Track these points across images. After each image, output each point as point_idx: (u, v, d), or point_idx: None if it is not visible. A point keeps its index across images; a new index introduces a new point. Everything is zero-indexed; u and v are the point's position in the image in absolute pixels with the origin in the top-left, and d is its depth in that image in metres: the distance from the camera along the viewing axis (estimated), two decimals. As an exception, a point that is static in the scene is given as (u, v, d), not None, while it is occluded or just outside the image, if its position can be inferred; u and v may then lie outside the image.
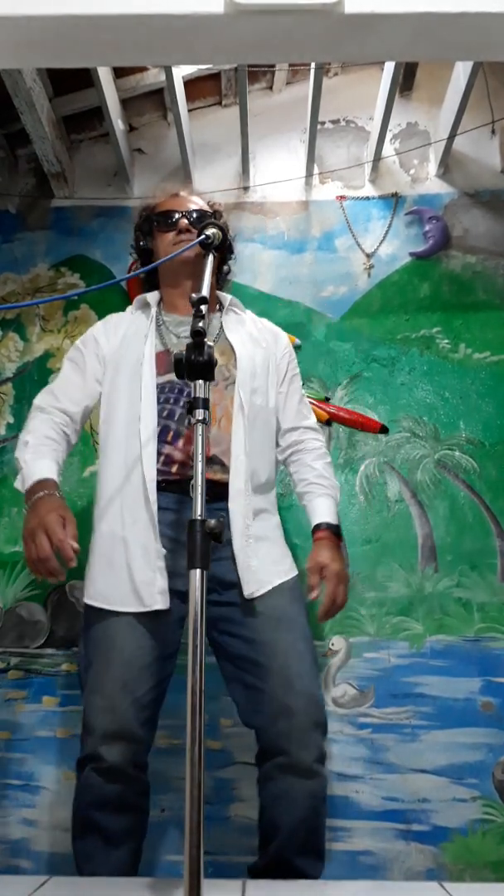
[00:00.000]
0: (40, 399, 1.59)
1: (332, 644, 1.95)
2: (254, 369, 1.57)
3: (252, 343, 1.63)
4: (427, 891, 1.39)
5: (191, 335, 1.11)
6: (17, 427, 2.22)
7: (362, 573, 2.02)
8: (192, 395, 1.09)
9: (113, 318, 1.70)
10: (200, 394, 1.09)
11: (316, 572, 1.45)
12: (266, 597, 1.43)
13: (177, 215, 1.65)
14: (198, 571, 0.96)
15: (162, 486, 1.44)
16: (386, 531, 2.07)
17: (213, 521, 1.00)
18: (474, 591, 2.00)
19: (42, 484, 1.42)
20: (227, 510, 1.44)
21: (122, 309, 2.26)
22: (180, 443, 1.48)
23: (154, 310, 1.65)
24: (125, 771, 1.33)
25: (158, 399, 1.50)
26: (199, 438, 1.06)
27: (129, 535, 1.42)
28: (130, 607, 1.38)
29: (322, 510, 1.55)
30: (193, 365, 1.10)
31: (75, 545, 1.30)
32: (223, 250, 1.71)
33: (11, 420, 2.23)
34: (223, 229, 1.69)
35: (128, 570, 1.40)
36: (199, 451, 1.06)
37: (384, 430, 2.15)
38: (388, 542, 2.06)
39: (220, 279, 1.79)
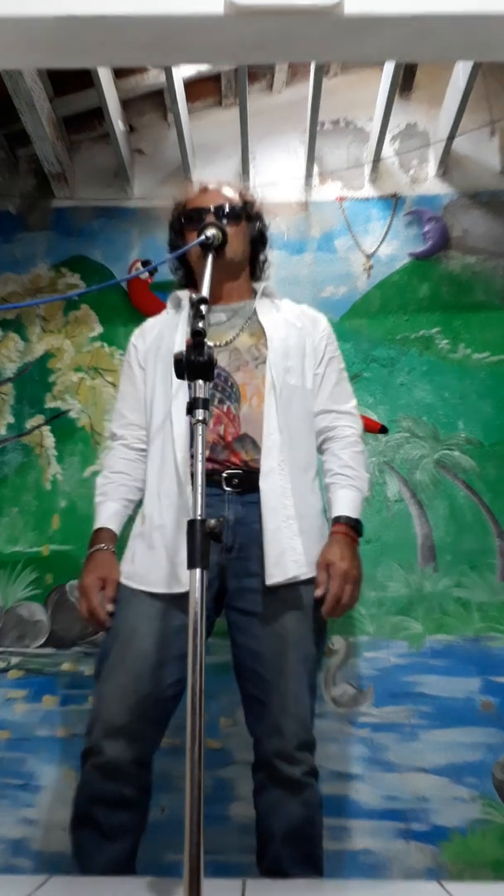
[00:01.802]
0: (112, 425, 1.65)
1: (332, 643, 1.96)
2: (286, 350, 1.54)
3: (286, 325, 1.59)
4: (426, 890, 1.39)
5: (191, 335, 1.11)
6: (17, 427, 2.22)
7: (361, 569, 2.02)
8: (192, 396, 1.09)
9: (149, 322, 1.71)
10: (200, 394, 1.09)
11: (323, 569, 1.41)
12: (283, 603, 1.39)
13: (205, 212, 1.59)
14: (198, 571, 0.96)
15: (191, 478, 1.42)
16: (385, 531, 2.07)
17: (212, 521, 1.00)
18: (474, 591, 2.00)
19: (99, 535, 1.49)
20: (258, 491, 1.41)
21: (123, 309, 2.30)
22: (210, 423, 1.45)
23: (186, 304, 1.64)
24: (125, 769, 1.31)
25: None
26: (199, 438, 1.06)
27: (166, 518, 1.42)
28: (162, 588, 1.37)
29: (342, 503, 1.49)
30: (193, 365, 1.09)
31: (109, 608, 1.40)
32: (257, 241, 1.69)
33: (12, 420, 2.23)
34: (257, 219, 1.68)
35: (166, 551, 1.39)
36: (200, 451, 1.06)
37: (384, 430, 2.16)
38: (387, 542, 2.06)
39: (257, 270, 1.74)
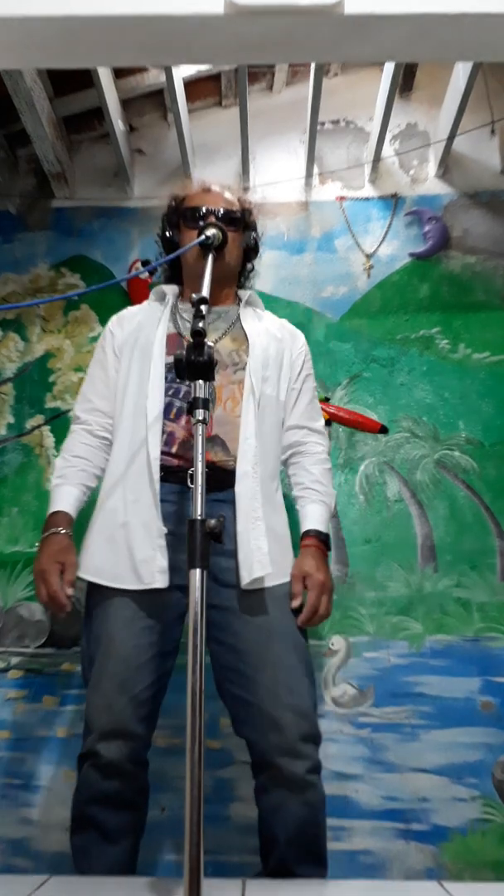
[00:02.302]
0: (76, 406, 1.64)
1: (332, 644, 1.96)
2: (266, 359, 1.56)
3: (267, 335, 1.61)
4: (426, 890, 1.39)
5: (191, 335, 1.11)
6: (17, 427, 2.22)
7: (362, 573, 2.02)
8: (192, 396, 1.09)
9: (129, 310, 1.71)
10: (200, 394, 1.09)
11: (299, 580, 1.43)
12: (260, 599, 1.40)
13: (205, 212, 1.60)
14: (198, 571, 0.96)
15: (161, 476, 1.42)
16: (385, 531, 2.07)
17: (212, 521, 1.00)
18: (474, 591, 2.00)
19: (56, 518, 1.47)
20: (232, 494, 1.41)
21: (123, 309, 2.29)
22: (183, 420, 1.46)
23: (171, 299, 1.64)
24: (123, 767, 1.33)
25: (166, 377, 1.49)
26: (199, 438, 1.06)
27: (130, 514, 1.42)
28: (129, 584, 1.37)
29: (312, 517, 1.52)
30: (193, 365, 1.10)
31: (69, 591, 1.38)
32: (248, 250, 1.71)
33: (12, 420, 2.23)
34: (250, 227, 1.69)
35: (128, 547, 1.39)
36: (199, 451, 1.06)
37: (384, 430, 2.16)
38: (387, 542, 2.06)
39: (244, 277, 1.76)
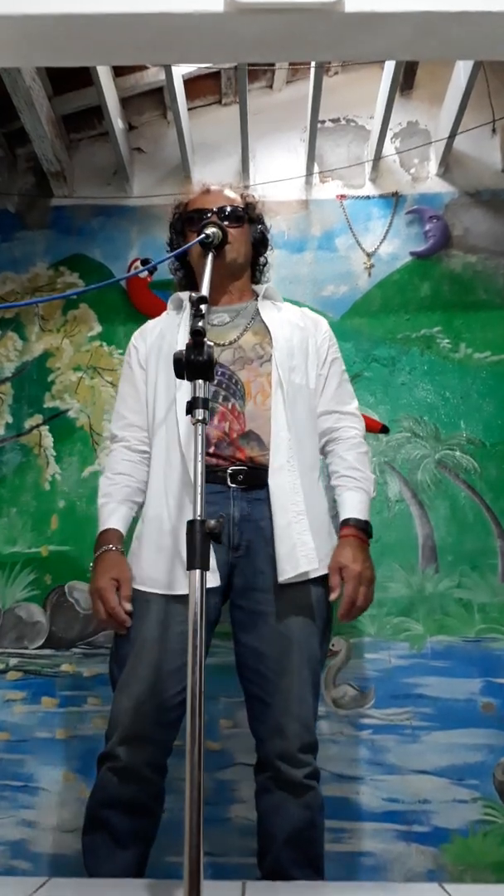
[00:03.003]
0: (112, 426, 1.64)
1: (333, 645, 1.95)
2: (291, 349, 1.55)
3: (289, 325, 1.60)
4: (427, 892, 1.38)
5: (190, 335, 1.11)
6: (16, 427, 2.22)
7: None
8: (192, 395, 1.09)
9: (150, 323, 1.71)
10: (200, 393, 1.08)
11: (336, 573, 1.41)
12: (290, 601, 1.39)
13: (207, 213, 1.60)
14: (198, 572, 0.95)
15: None
16: (386, 531, 2.06)
17: (212, 522, 0.99)
18: (475, 592, 1.99)
19: (106, 535, 1.48)
20: (267, 491, 1.41)
21: (122, 308, 2.29)
22: (216, 420, 1.46)
23: (187, 305, 1.64)
24: (141, 773, 1.33)
25: None
26: (199, 438, 1.06)
27: (175, 520, 1.42)
28: (183, 590, 1.35)
29: (349, 505, 1.49)
30: (193, 364, 1.09)
31: (128, 607, 1.39)
32: (259, 244, 1.70)
33: (10, 420, 2.23)
34: (258, 222, 1.69)
35: (178, 554, 1.39)
36: (199, 451, 1.05)
37: (385, 429, 2.15)
38: (388, 543, 2.05)
39: (258, 272, 1.75)
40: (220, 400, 1.48)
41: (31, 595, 2.05)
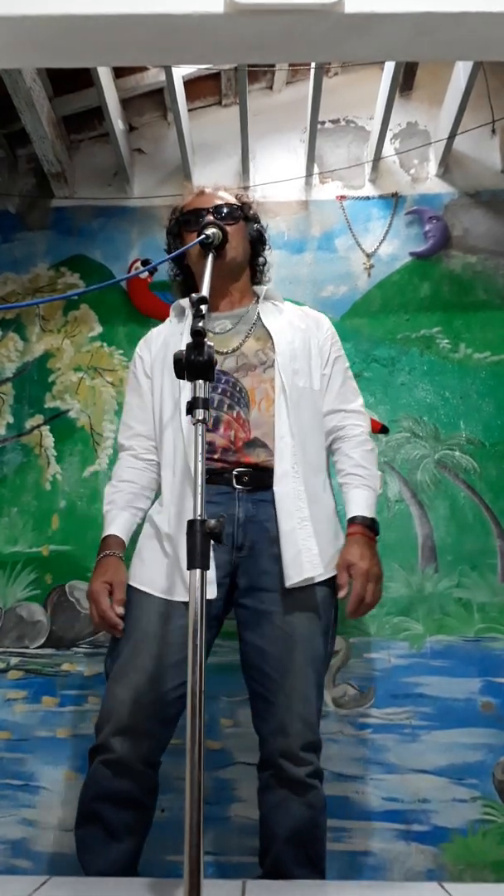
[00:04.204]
0: (119, 436, 1.66)
1: (333, 644, 1.95)
2: (293, 352, 1.55)
3: (290, 328, 1.61)
4: (427, 891, 1.39)
5: (191, 335, 1.11)
6: (16, 427, 2.22)
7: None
8: (192, 396, 1.09)
9: (153, 332, 1.71)
10: (200, 393, 1.08)
11: (344, 570, 1.41)
12: (296, 602, 1.40)
13: (203, 214, 1.60)
14: (198, 572, 0.96)
15: (206, 478, 1.43)
16: (386, 531, 2.05)
17: (213, 522, 0.99)
18: (474, 592, 2.00)
19: (107, 541, 1.50)
20: (272, 494, 1.42)
21: (122, 309, 2.29)
22: (221, 429, 1.47)
23: (189, 311, 1.64)
24: (134, 767, 1.32)
25: None
26: (199, 439, 1.06)
27: (173, 526, 1.43)
28: (180, 597, 1.37)
29: (356, 503, 1.49)
30: (193, 365, 1.09)
31: (119, 610, 1.40)
32: (256, 243, 1.70)
33: (11, 420, 2.23)
34: (254, 221, 1.69)
35: (177, 559, 1.40)
36: (199, 451, 1.05)
37: (384, 430, 2.15)
38: (388, 543, 2.05)
39: (258, 272, 1.75)
40: (225, 408, 1.48)
41: (31, 594, 2.06)
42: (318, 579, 1.41)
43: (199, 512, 1.01)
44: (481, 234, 2.33)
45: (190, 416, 1.07)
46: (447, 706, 1.89)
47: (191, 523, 0.99)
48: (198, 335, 1.10)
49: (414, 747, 1.87)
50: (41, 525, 2.12)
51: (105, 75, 2.12)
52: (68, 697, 1.95)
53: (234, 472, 1.44)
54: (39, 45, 1.41)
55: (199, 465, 1.05)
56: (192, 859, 0.84)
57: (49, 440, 2.20)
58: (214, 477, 1.43)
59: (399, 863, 1.78)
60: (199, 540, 0.98)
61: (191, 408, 1.07)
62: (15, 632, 2.03)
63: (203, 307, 1.16)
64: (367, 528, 1.47)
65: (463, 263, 2.30)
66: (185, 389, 1.49)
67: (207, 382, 1.10)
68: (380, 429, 2.15)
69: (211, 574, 1.37)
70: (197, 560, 0.96)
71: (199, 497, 1.03)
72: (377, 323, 2.26)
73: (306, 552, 1.39)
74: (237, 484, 1.44)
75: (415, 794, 1.83)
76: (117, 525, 1.51)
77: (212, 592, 1.37)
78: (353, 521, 1.48)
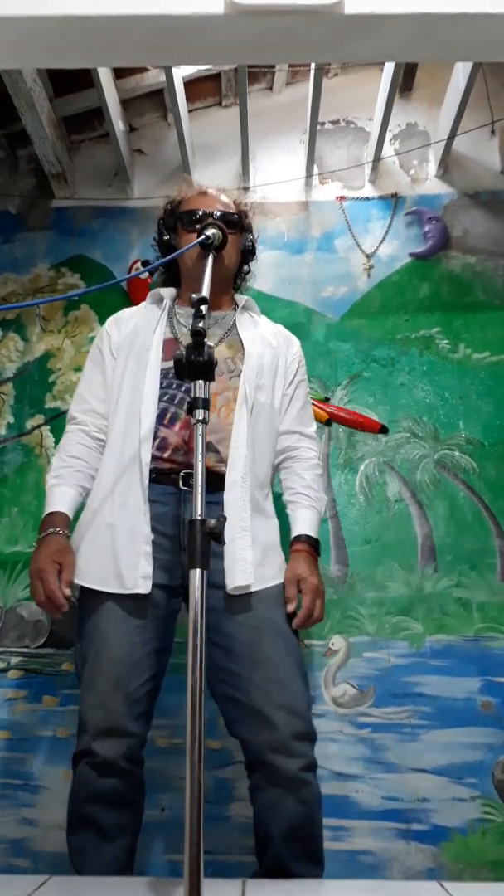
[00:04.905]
0: (72, 407, 1.63)
1: (332, 643, 1.96)
2: (261, 367, 1.57)
3: (262, 343, 1.62)
4: (427, 890, 1.39)
5: (191, 335, 1.11)
6: (17, 427, 2.22)
7: (362, 573, 2.02)
8: (193, 395, 1.09)
9: (126, 312, 1.71)
10: (200, 394, 1.09)
11: (293, 584, 1.44)
12: (248, 601, 1.40)
13: (206, 215, 1.60)
14: (198, 571, 0.96)
15: (153, 477, 1.44)
16: (386, 531, 2.07)
17: (212, 521, 1.00)
18: (474, 591, 2.00)
19: (53, 518, 1.47)
20: (221, 501, 1.43)
21: (123, 309, 2.29)
22: (177, 426, 1.47)
23: (168, 302, 1.65)
24: (119, 766, 1.33)
25: (161, 383, 1.50)
26: (199, 439, 1.06)
27: (117, 518, 1.42)
28: (113, 588, 1.38)
29: (303, 522, 1.53)
30: (193, 365, 1.10)
31: (67, 592, 1.39)
32: (246, 252, 1.71)
33: (12, 420, 2.23)
34: (247, 230, 1.70)
35: (113, 551, 1.40)
36: (199, 451, 1.06)
37: (384, 430, 2.16)
38: (387, 542, 2.06)
39: (239, 280, 1.77)
40: (184, 408, 1.47)
41: (32, 594, 2.06)
42: (253, 589, 1.41)
43: (199, 512, 1.01)
44: (480, 234, 2.33)
45: (190, 415, 1.08)
46: (447, 705, 1.90)
47: (191, 523, 0.99)
48: (198, 335, 1.10)
49: (413, 746, 1.87)
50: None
51: (105, 76, 2.13)
52: (68, 697, 1.95)
53: (182, 474, 1.44)
54: (40, 46, 1.41)
55: (200, 464, 1.05)
56: (192, 858, 0.85)
57: (50, 440, 2.20)
58: (161, 477, 1.45)
59: (398, 862, 1.79)
60: (199, 540, 0.98)
61: (191, 408, 1.08)
62: (15, 631, 2.03)
63: (203, 308, 1.17)
64: (311, 547, 1.51)
65: (462, 264, 2.31)
66: (150, 382, 1.49)
67: (208, 382, 1.11)
68: (379, 429, 2.15)
69: (147, 568, 1.37)
70: (197, 560, 0.97)
71: (199, 496, 1.03)
72: (377, 323, 2.26)
73: (241, 562, 1.40)
74: (184, 486, 1.44)
75: (414, 794, 1.83)
76: (64, 502, 1.49)
77: (145, 587, 1.36)
78: (298, 539, 1.52)
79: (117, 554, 1.39)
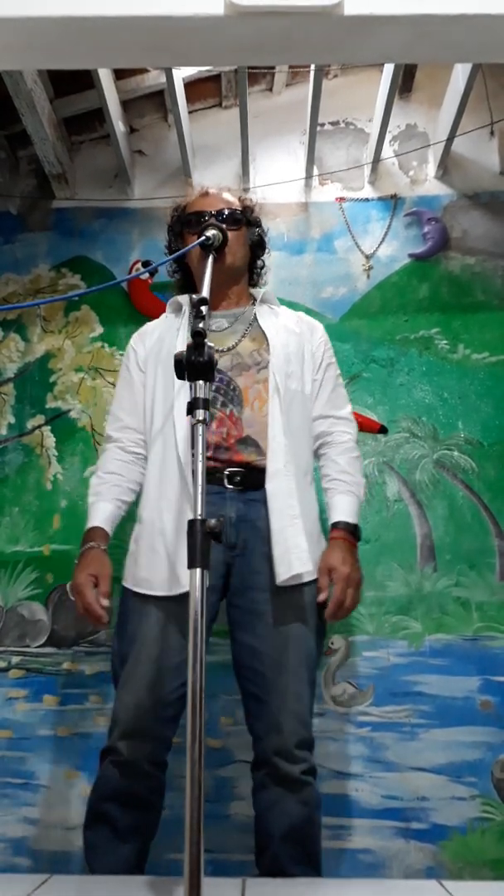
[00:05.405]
0: (107, 428, 1.66)
1: (332, 643, 1.96)
2: (287, 356, 1.57)
3: (286, 332, 1.62)
4: (426, 889, 1.39)
5: (191, 335, 1.12)
6: (17, 427, 2.23)
7: (362, 572, 2.02)
8: (192, 396, 1.09)
9: (149, 325, 1.73)
10: (200, 394, 1.09)
11: (325, 574, 1.43)
12: (287, 601, 1.41)
13: (206, 216, 1.61)
14: (198, 571, 0.96)
15: None
16: (385, 531, 2.08)
17: (213, 521, 1.00)
18: (473, 591, 2.01)
19: (91, 533, 1.50)
20: (264, 493, 1.43)
21: (123, 310, 2.30)
22: (213, 425, 1.48)
23: (186, 308, 1.66)
24: (141, 767, 1.35)
25: None
26: (200, 439, 1.06)
27: (166, 522, 1.44)
28: (162, 591, 1.39)
29: (340, 508, 1.52)
30: (193, 365, 1.10)
31: (105, 603, 1.40)
32: (256, 247, 1.71)
33: (12, 420, 2.24)
34: (256, 224, 1.70)
35: (167, 555, 1.41)
36: (200, 451, 1.06)
37: (383, 430, 2.16)
38: (387, 542, 2.06)
39: (255, 275, 1.77)
40: (219, 405, 1.50)
41: (32, 594, 2.06)
42: (306, 578, 1.41)
43: (199, 511, 1.01)
44: (480, 235, 2.33)
45: (190, 415, 1.08)
46: (446, 704, 1.90)
47: (191, 522, 1.00)
48: (198, 336, 1.11)
49: (413, 745, 1.87)
50: (42, 525, 2.12)
51: (106, 77, 2.13)
52: (69, 696, 1.95)
53: (226, 472, 1.45)
54: (40, 47, 1.42)
55: (200, 464, 1.05)
56: (192, 857, 0.85)
57: (50, 440, 2.20)
58: (206, 477, 1.44)
59: (398, 861, 1.79)
60: (200, 539, 0.98)
61: (191, 408, 1.08)
62: (16, 631, 2.04)
63: (203, 308, 1.17)
64: (349, 534, 1.49)
65: (461, 265, 2.31)
66: (181, 387, 1.49)
67: (208, 383, 1.11)
68: (379, 429, 2.16)
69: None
70: (197, 559, 0.97)
71: (199, 496, 1.03)
72: (376, 324, 2.26)
73: (295, 549, 1.40)
74: (229, 483, 1.45)
75: (414, 792, 1.84)
76: (102, 517, 1.51)
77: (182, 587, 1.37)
78: (336, 525, 1.50)
79: (173, 556, 1.40)
